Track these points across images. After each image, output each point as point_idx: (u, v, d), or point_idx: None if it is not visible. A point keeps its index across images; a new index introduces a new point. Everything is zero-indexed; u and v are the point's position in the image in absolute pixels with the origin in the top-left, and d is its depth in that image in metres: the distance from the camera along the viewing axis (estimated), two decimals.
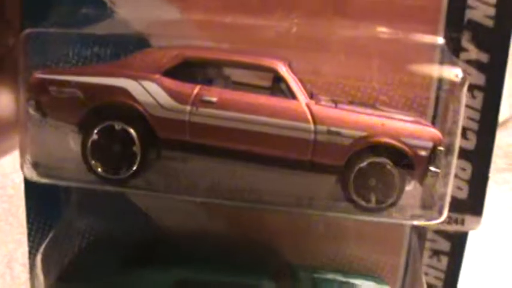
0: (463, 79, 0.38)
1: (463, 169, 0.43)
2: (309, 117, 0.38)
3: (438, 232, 0.45)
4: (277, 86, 0.38)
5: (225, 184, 0.39)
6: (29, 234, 0.45)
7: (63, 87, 0.38)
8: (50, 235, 0.43)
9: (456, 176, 0.42)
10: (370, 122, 0.38)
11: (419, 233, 0.45)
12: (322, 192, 0.39)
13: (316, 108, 0.38)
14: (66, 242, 0.44)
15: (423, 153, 0.38)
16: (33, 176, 0.40)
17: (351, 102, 0.40)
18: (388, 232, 0.45)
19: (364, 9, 0.41)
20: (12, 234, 0.67)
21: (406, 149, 0.38)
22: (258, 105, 0.38)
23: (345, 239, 0.46)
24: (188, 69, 0.38)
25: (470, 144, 0.42)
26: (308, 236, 0.45)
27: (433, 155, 0.38)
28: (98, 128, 0.38)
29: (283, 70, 0.38)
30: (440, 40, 0.41)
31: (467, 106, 0.41)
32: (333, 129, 0.37)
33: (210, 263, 0.42)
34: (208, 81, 0.39)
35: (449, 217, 0.43)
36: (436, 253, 0.45)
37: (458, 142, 0.38)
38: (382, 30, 0.41)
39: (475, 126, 0.42)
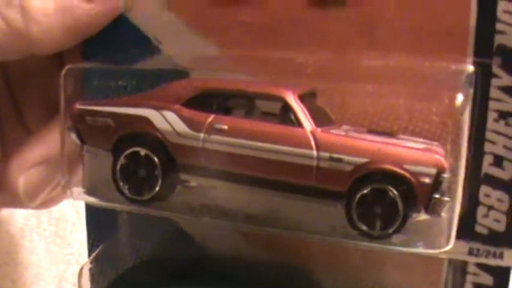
0: (464, 102, 0.37)
1: (501, 200, 0.41)
2: (313, 144, 0.39)
3: (480, 265, 0.43)
4: (285, 114, 0.40)
5: (236, 207, 0.41)
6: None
7: (97, 117, 0.43)
8: (98, 250, 0.47)
9: (493, 207, 0.41)
10: (371, 149, 0.38)
11: (459, 265, 0.43)
12: (328, 218, 0.39)
13: (320, 135, 0.39)
14: (114, 260, 0.48)
15: (426, 180, 0.37)
16: (84, 198, 0.45)
17: (369, 131, 0.40)
18: (426, 263, 0.44)
19: (391, 38, 0.42)
20: (61, 255, 0.70)
21: (408, 175, 0.37)
22: (266, 132, 0.39)
23: (382, 268, 0.45)
24: (205, 100, 0.41)
25: (507, 174, 0.41)
26: (345, 263, 0.46)
27: (437, 182, 0.37)
28: (125, 153, 0.42)
29: (291, 99, 0.40)
30: (469, 67, 0.40)
31: (501, 134, 0.40)
32: (335, 155, 0.38)
33: (246, 284, 0.44)
34: (226, 110, 0.41)
35: (487, 251, 0.42)
36: (478, 287, 0.44)
37: (463, 167, 0.37)
38: (410, 59, 0.41)
39: (510, 155, 0.40)
